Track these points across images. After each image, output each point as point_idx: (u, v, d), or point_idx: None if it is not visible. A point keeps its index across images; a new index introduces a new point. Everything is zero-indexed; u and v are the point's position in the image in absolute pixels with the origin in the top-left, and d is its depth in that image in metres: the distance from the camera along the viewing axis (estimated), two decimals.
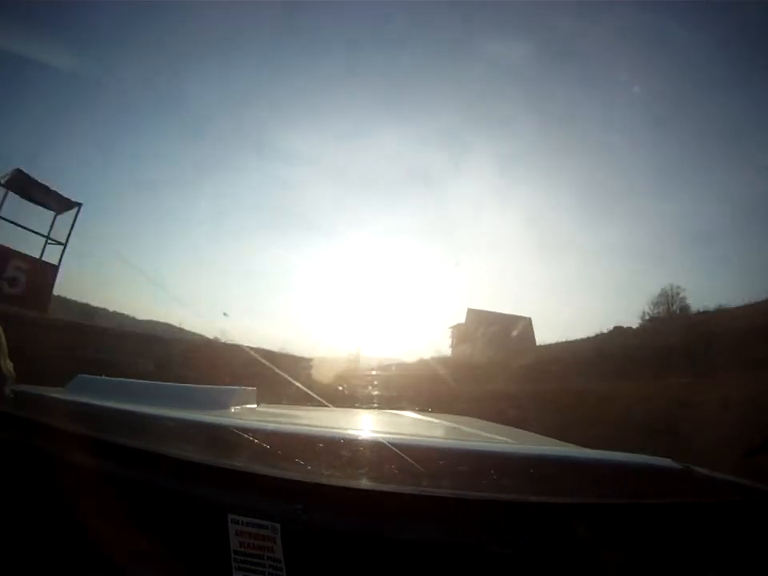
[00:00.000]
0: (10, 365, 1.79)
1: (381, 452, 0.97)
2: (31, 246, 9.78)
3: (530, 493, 0.83)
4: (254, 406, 1.73)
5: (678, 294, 21.58)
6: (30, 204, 9.85)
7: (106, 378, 1.94)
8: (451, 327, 25.45)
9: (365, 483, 0.89)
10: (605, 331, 19.63)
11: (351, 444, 1.05)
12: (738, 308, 15.17)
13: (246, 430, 1.08)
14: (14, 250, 9.37)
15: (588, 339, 18.98)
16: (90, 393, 1.51)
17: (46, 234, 10.02)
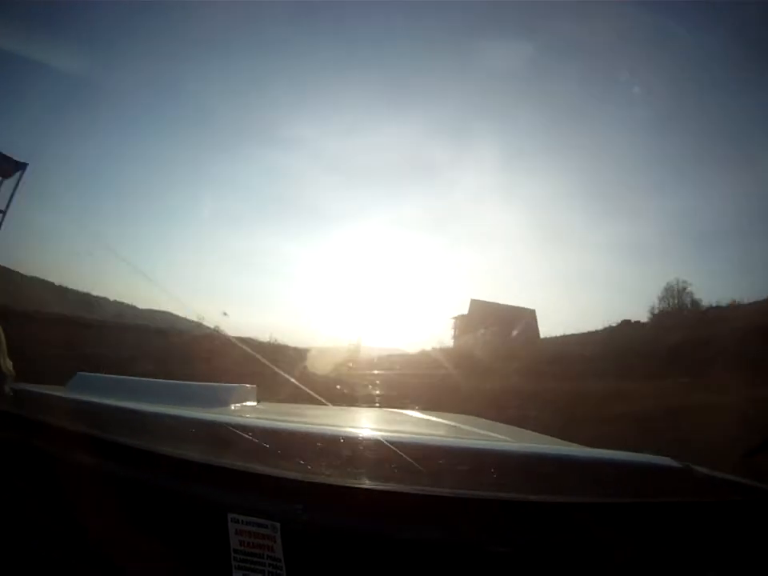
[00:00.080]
0: (9, 363, 1.78)
1: (381, 451, 0.97)
2: None
3: (529, 492, 0.83)
4: (254, 403, 1.73)
5: (684, 288, 21.42)
6: None
7: (106, 375, 1.93)
8: (454, 318, 25.23)
9: (364, 482, 0.89)
10: (613, 324, 19.30)
11: (351, 443, 1.05)
12: (751, 304, 14.69)
13: (245, 428, 1.08)
14: None
15: (594, 333, 18.63)
16: (90, 391, 1.51)
17: None
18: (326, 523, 0.86)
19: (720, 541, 0.76)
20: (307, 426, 1.37)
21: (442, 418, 1.99)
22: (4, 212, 9.44)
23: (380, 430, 1.34)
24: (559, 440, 1.57)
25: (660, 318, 20.38)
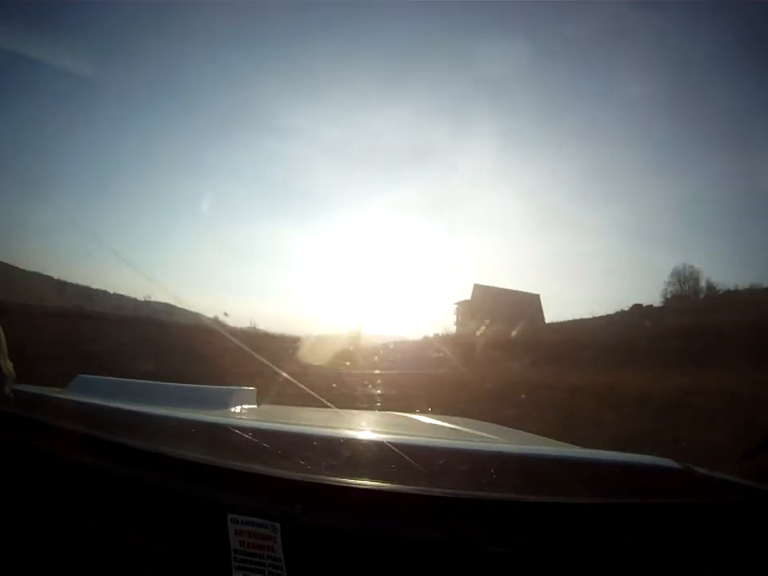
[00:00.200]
0: (10, 364, 1.78)
1: (380, 452, 0.97)
2: None
3: (530, 492, 0.83)
4: (254, 406, 1.74)
5: (691, 273, 21.12)
6: None
7: (107, 378, 1.94)
8: (456, 304, 25.05)
9: (364, 483, 0.89)
10: (624, 309, 18.92)
11: (350, 444, 1.05)
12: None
13: (246, 429, 1.08)
14: None
15: (604, 317, 18.16)
16: (90, 393, 1.51)
17: None
18: (326, 523, 0.86)
19: (720, 542, 0.76)
20: (307, 427, 1.37)
21: (440, 420, 2.00)
22: None
23: (380, 432, 1.34)
24: (559, 442, 1.58)
25: (673, 302, 19.86)
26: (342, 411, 2.22)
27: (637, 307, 19.15)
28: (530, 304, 20.20)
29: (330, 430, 1.25)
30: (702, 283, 20.90)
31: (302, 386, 1.99)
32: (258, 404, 1.77)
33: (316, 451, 1.00)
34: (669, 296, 21.03)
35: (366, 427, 1.71)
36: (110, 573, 0.98)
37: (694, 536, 0.77)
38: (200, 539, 0.94)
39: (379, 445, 1.00)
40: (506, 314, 18.97)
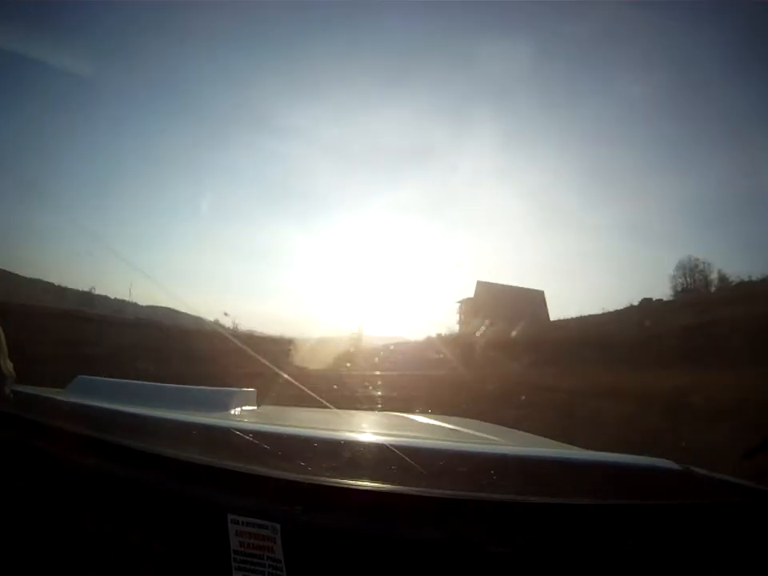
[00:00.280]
0: (10, 365, 1.78)
1: (380, 453, 0.98)
2: None
3: (529, 494, 0.83)
4: (254, 407, 1.74)
5: (696, 266, 20.82)
6: None
7: (106, 379, 1.94)
8: (459, 302, 24.76)
9: (364, 484, 0.89)
10: (634, 303, 18.37)
11: (350, 445, 1.05)
12: None
13: (246, 431, 1.08)
14: None
15: (613, 313, 17.57)
16: (90, 394, 1.51)
17: None
18: (326, 524, 0.86)
19: (720, 542, 0.76)
20: (307, 428, 1.37)
21: (440, 421, 1.99)
22: None
23: (379, 433, 1.34)
24: (559, 443, 1.58)
25: (684, 296, 19.39)
26: (341, 412, 2.22)
27: (647, 302, 18.78)
28: (534, 301, 19.91)
29: (330, 432, 1.25)
30: (714, 275, 20.54)
31: (303, 387, 1.99)
32: (258, 405, 1.77)
33: (316, 452, 1.00)
34: (680, 288, 20.66)
35: (365, 428, 1.71)
36: (110, 573, 0.98)
37: (695, 537, 0.77)
38: (200, 540, 0.94)
39: (379, 446, 1.00)
40: (509, 312, 18.65)
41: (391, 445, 0.96)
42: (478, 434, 1.72)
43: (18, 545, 1.06)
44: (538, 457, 1.05)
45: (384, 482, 0.88)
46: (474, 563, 0.79)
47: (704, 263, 20.64)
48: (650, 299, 19.05)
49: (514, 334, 15.17)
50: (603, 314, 18.13)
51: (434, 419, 2.04)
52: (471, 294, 23.85)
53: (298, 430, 1.31)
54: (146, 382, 2.01)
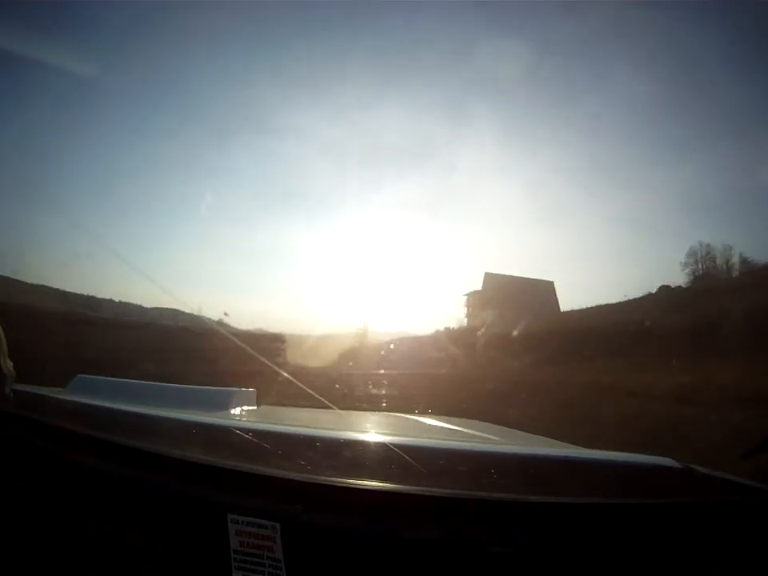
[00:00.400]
0: (10, 364, 1.78)
1: (380, 452, 0.98)
2: None
3: (531, 493, 0.83)
4: (254, 407, 1.74)
5: (708, 252, 20.45)
6: None
7: (106, 378, 1.94)
8: (466, 295, 24.35)
9: (365, 483, 0.89)
10: (652, 291, 17.56)
11: (350, 444, 1.05)
12: None
13: (246, 430, 1.08)
14: None
15: (631, 302, 16.63)
16: (90, 393, 1.51)
17: None
18: (326, 524, 0.86)
19: (721, 541, 0.76)
20: (306, 427, 1.37)
21: (441, 421, 1.99)
22: None
23: (380, 432, 1.34)
24: (560, 442, 1.57)
25: (704, 282, 18.67)
26: (342, 412, 2.22)
27: (665, 289, 18.00)
28: (543, 291, 19.53)
29: (330, 431, 1.25)
30: (735, 259, 20.05)
31: (304, 387, 1.99)
32: (258, 405, 1.77)
33: (316, 452, 1.00)
34: (698, 274, 20.06)
35: (366, 428, 1.71)
36: (110, 573, 0.98)
37: (695, 536, 0.77)
38: (200, 539, 0.94)
39: (379, 445, 1.00)
40: (518, 303, 18.20)
41: (391, 444, 0.96)
42: (478, 433, 1.72)
43: (19, 545, 1.06)
44: (538, 456, 1.05)
45: (384, 481, 0.88)
46: (474, 563, 0.79)
47: (725, 247, 19.85)
48: (668, 286, 18.41)
49: (523, 325, 14.37)
50: (620, 303, 17.29)
51: (435, 419, 2.04)
52: (479, 287, 23.50)
53: (298, 429, 1.31)
54: (145, 382, 2.02)
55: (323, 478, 0.90)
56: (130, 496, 1.03)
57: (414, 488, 0.85)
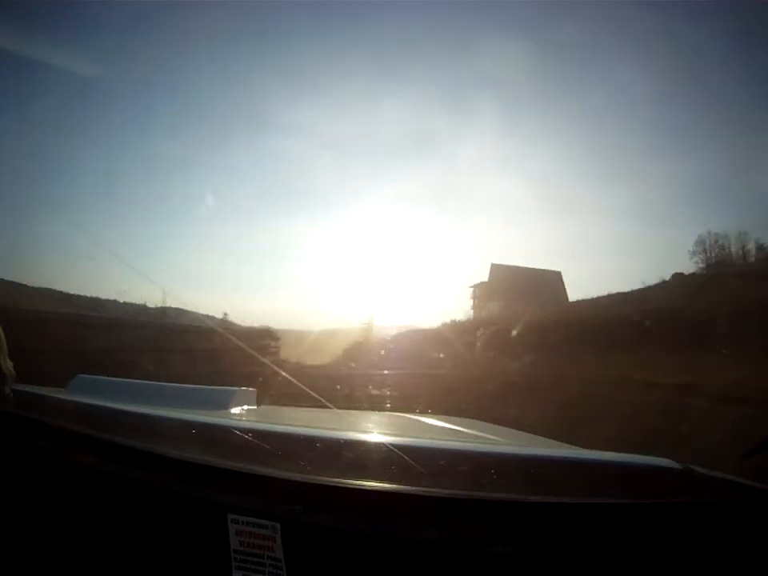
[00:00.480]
0: (10, 364, 1.78)
1: (380, 452, 0.97)
2: None
3: (531, 493, 0.83)
4: (254, 407, 1.73)
5: (716, 240, 20.06)
6: None
7: (106, 378, 1.94)
8: (472, 286, 24.01)
9: (365, 483, 0.89)
10: (665, 278, 17.03)
11: (350, 444, 1.05)
12: None
13: (246, 430, 1.08)
14: None
15: (644, 290, 16.05)
16: (90, 393, 1.51)
17: None
18: (326, 523, 0.86)
19: (721, 542, 0.76)
20: (307, 427, 1.37)
21: (441, 421, 1.99)
22: None
23: (380, 432, 1.34)
24: (559, 442, 1.57)
25: (716, 269, 18.20)
26: (342, 412, 2.22)
27: (678, 276, 17.46)
28: (551, 282, 19.23)
29: (330, 431, 1.25)
30: (751, 245, 19.77)
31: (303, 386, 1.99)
32: (258, 405, 1.77)
33: (316, 452, 1.00)
34: (711, 261, 19.66)
35: (366, 428, 1.71)
36: (110, 573, 0.98)
37: (695, 536, 0.77)
38: (200, 539, 0.94)
39: (379, 445, 1.00)
40: (525, 294, 17.94)
41: (391, 444, 0.96)
42: (478, 433, 1.72)
43: (19, 545, 1.06)
44: (538, 456, 1.05)
45: (384, 481, 0.88)
46: (474, 563, 0.79)
47: (740, 233, 19.43)
48: (682, 273, 17.93)
49: (531, 316, 13.91)
50: (633, 292, 16.75)
51: (435, 419, 2.04)
52: (485, 278, 23.15)
53: (298, 429, 1.31)
54: (145, 381, 2.01)
55: (323, 478, 0.90)
56: (131, 496, 1.03)
57: (414, 488, 0.85)
